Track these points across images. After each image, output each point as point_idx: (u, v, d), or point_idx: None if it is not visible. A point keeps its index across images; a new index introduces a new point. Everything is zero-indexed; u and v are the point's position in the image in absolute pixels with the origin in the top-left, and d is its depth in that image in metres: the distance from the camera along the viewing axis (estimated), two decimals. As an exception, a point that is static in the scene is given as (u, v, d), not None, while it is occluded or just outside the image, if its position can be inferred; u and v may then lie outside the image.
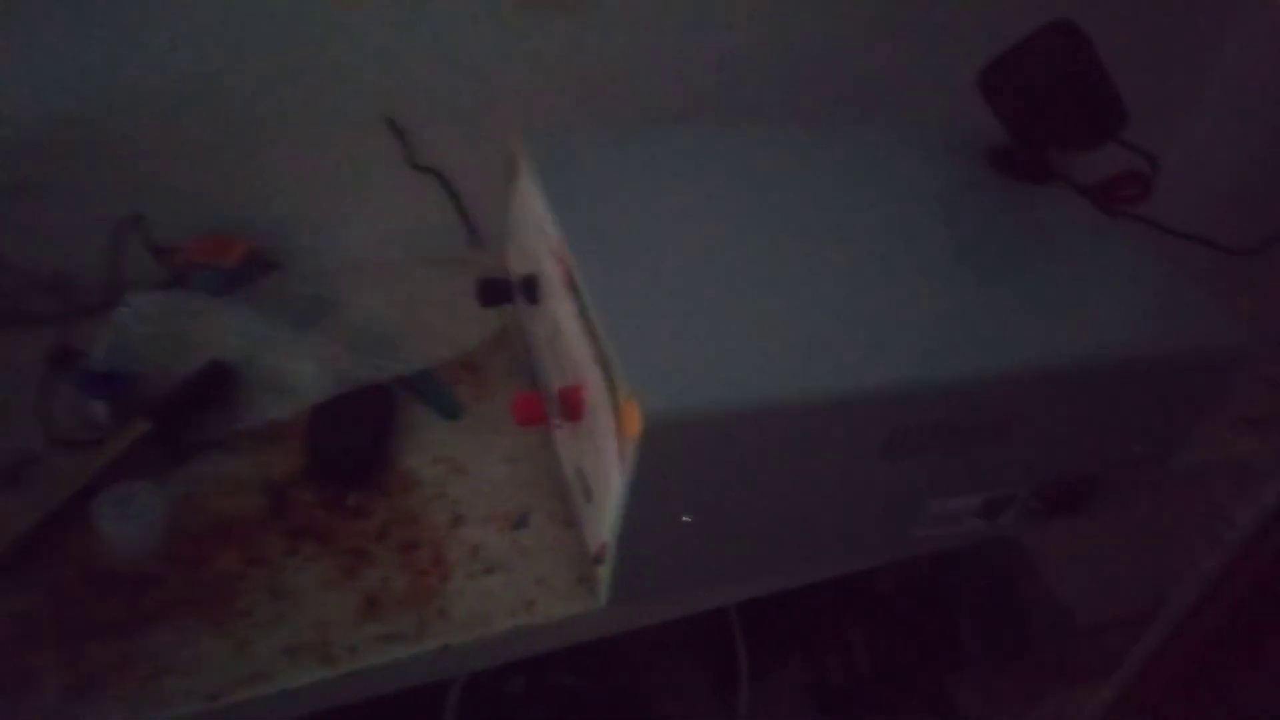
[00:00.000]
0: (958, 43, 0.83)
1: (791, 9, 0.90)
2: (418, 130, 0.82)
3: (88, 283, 0.74)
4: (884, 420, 0.56)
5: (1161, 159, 0.78)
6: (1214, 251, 0.81)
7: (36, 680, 0.52)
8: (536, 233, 0.65)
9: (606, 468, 0.53)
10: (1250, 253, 0.85)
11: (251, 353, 0.71)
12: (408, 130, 0.82)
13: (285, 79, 0.76)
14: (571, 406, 0.57)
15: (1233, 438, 0.84)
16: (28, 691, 0.51)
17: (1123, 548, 1.06)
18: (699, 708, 1.02)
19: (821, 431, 0.54)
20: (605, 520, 0.55)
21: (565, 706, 0.93)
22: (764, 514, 0.57)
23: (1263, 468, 0.90)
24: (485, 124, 0.83)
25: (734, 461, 0.53)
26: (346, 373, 0.70)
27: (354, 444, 0.66)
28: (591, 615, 0.60)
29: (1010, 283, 0.65)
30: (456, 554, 0.62)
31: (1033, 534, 1.17)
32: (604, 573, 0.57)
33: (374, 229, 0.85)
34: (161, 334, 0.71)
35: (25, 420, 0.65)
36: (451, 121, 0.83)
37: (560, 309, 0.61)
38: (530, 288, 0.67)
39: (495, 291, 0.70)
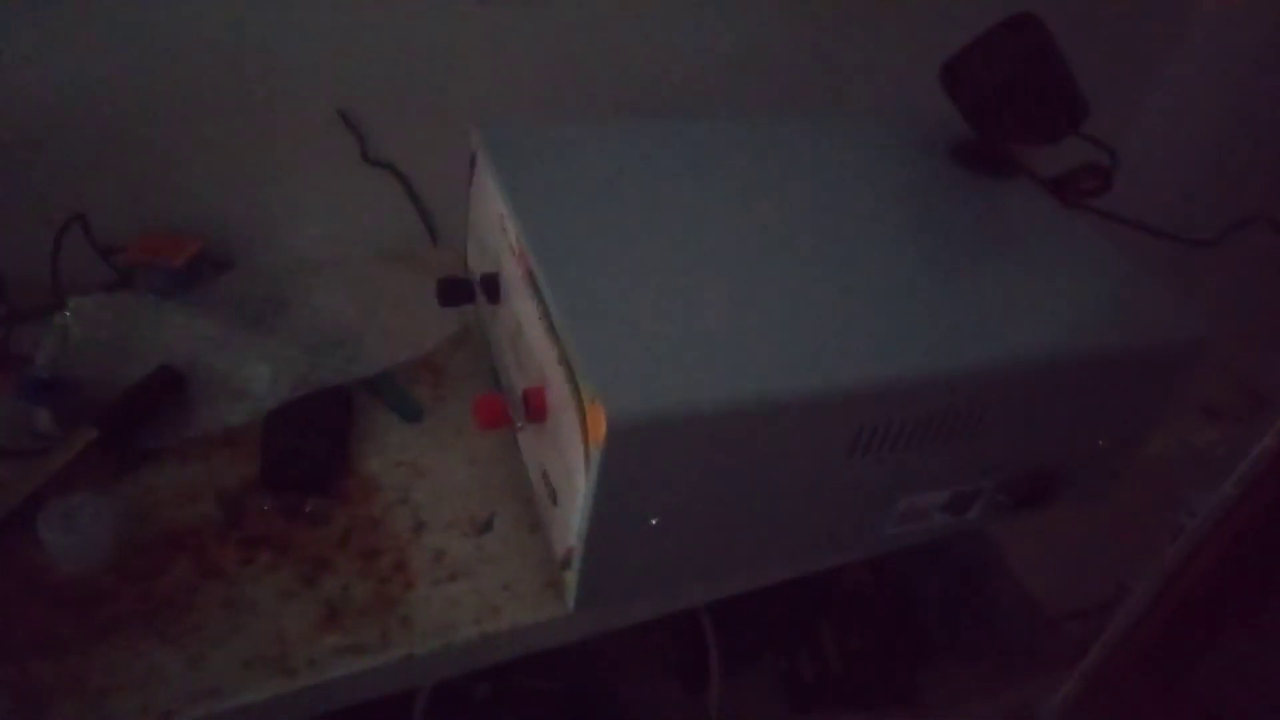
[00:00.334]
0: (920, 36, 0.83)
1: (754, 2, 0.89)
2: (373, 124, 0.81)
3: (28, 285, 0.72)
4: (850, 418, 0.55)
5: (1120, 152, 0.79)
6: (1173, 242, 0.82)
7: (-22, 702, 0.50)
8: (497, 230, 0.64)
9: (572, 470, 0.52)
10: (1208, 243, 0.86)
11: (203, 356, 0.69)
12: (362, 124, 0.80)
13: (233, 71, 0.74)
14: (535, 408, 0.56)
15: (1192, 428, 0.85)
16: (-31, 715, 0.49)
17: (1087, 538, 1.08)
18: (670, 707, 1.02)
19: (789, 431, 0.54)
20: (572, 524, 0.54)
21: (534, 710, 0.92)
22: (733, 514, 0.57)
23: (1222, 458, 0.91)
24: (443, 118, 0.81)
25: (701, 462, 0.52)
26: (302, 375, 0.68)
27: (311, 449, 0.65)
28: (559, 620, 0.59)
29: (974, 278, 0.65)
30: (419, 561, 0.61)
31: (999, 527, 1.18)
32: (571, 577, 0.56)
33: (329, 226, 0.83)
34: (107, 338, 0.68)
35: (-36, 430, 0.63)
36: (408, 115, 0.81)
37: (522, 309, 0.59)
38: (491, 287, 0.66)
39: (456, 291, 0.69)
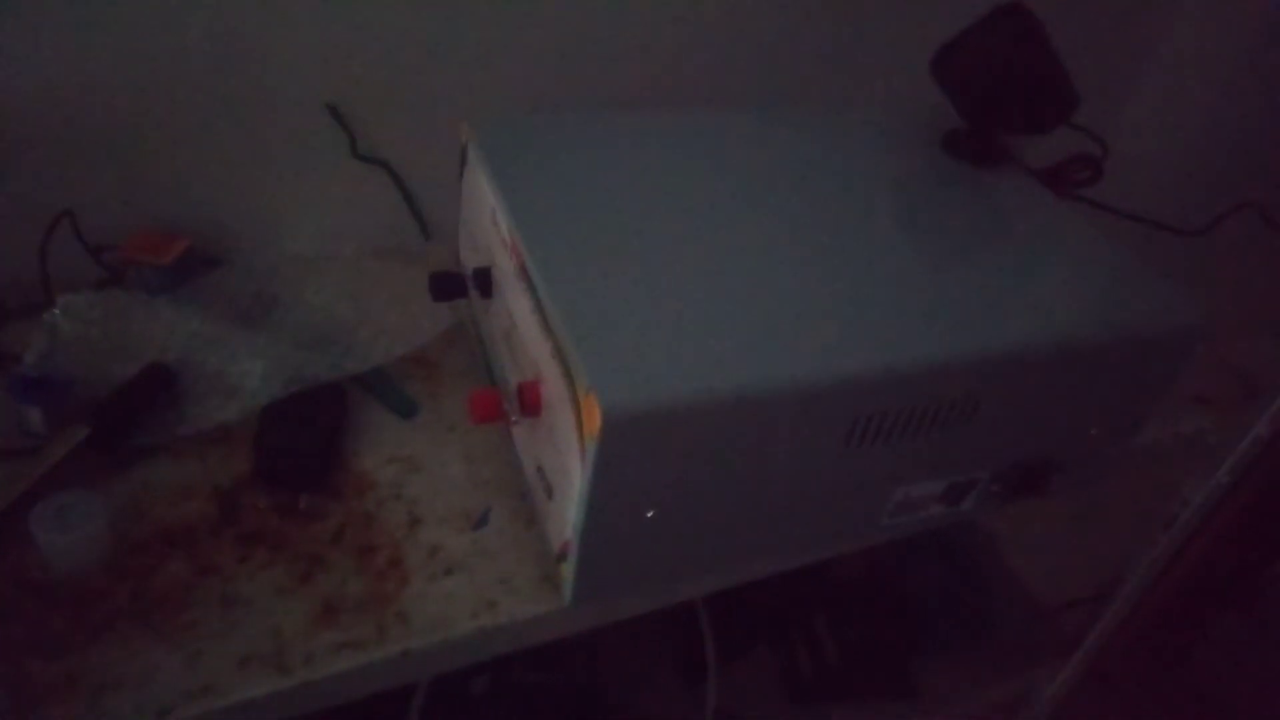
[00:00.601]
0: (911, 27, 0.83)
1: (743, -6, 0.89)
2: (363, 118, 0.80)
3: (17, 284, 0.71)
4: (847, 407, 0.55)
5: (1110, 141, 0.79)
6: (1163, 232, 0.82)
7: (-28, 703, 0.50)
8: (488, 224, 0.64)
9: (567, 464, 0.52)
10: (1197, 233, 0.86)
11: (194, 353, 0.68)
12: (352, 118, 0.80)
13: (221, 66, 0.73)
14: (529, 402, 0.56)
15: (1186, 416, 0.85)
16: (-37, 715, 0.49)
17: (1081, 528, 1.08)
18: (667, 700, 1.02)
19: (785, 421, 0.54)
20: (567, 517, 0.54)
21: (532, 704, 0.92)
22: (729, 506, 0.57)
23: (1215, 445, 0.92)
24: (434, 112, 0.81)
25: (697, 454, 0.52)
26: (295, 372, 0.68)
27: (305, 445, 0.64)
28: (556, 614, 0.59)
29: (967, 267, 0.65)
30: (415, 556, 0.61)
31: (993, 518, 1.18)
32: (567, 571, 0.56)
33: (320, 222, 0.82)
34: (97, 336, 0.68)
35: (-46, 430, 0.62)
36: (398, 109, 0.81)
37: (515, 302, 0.59)
38: (484, 281, 0.65)
39: (448, 286, 0.68)
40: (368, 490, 0.64)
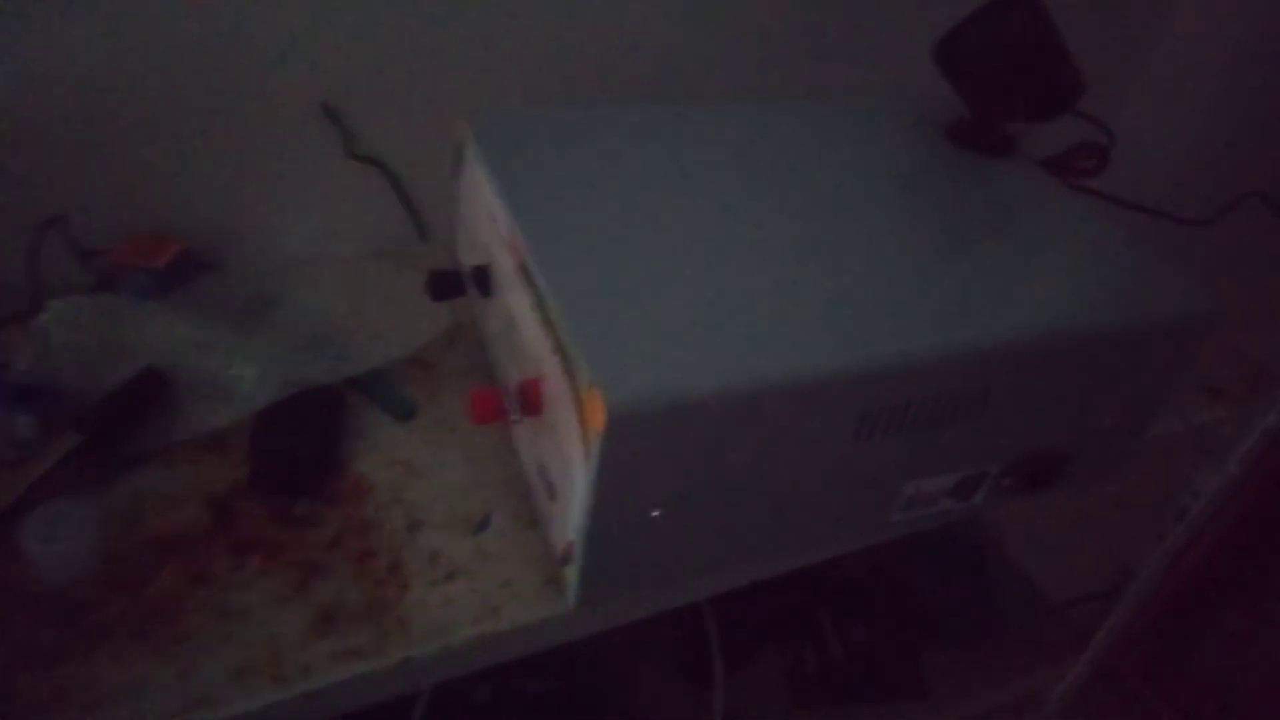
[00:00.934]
0: (913, 14, 0.82)
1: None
2: (357, 117, 0.79)
3: (6, 289, 0.70)
4: (855, 401, 0.54)
5: (1116, 130, 0.78)
6: (1169, 221, 0.81)
7: (-39, 719, 0.48)
8: (486, 222, 0.63)
9: (570, 463, 0.51)
10: (1203, 223, 0.85)
11: (188, 358, 0.67)
12: (346, 117, 0.78)
13: (213, 65, 0.72)
14: (530, 401, 0.55)
15: (1195, 407, 0.84)
16: (-49, 732, 0.48)
17: (1089, 522, 1.07)
18: (674, 702, 1.01)
19: (792, 415, 0.52)
20: (571, 518, 0.52)
21: (536, 711, 0.90)
22: (736, 504, 0.56)
23: (1225, 436, 0.91)
24: (430, 110, 0.80)
25: (703, 450, 0.51)
26: (291, 375, 0.67)
27: (301, 450, 0.63)
28: (560, 618, 0.58)
29: (974, 257, 0.64)
30: (415, 561, 0.59)
31: (1001, 513, 1.17)
32: (571, 573, 0.55)
33: (314, 223, 0.81)
34: (89, 341, 0.67)
35: (-58, 439, 0.61)
36: (392, 107, 0.80)
37: (515, 300, 0.58)
38: (482, 280, 0.64)
39: (446, 285, 0.67)
40: (366, 494, 0.63)
